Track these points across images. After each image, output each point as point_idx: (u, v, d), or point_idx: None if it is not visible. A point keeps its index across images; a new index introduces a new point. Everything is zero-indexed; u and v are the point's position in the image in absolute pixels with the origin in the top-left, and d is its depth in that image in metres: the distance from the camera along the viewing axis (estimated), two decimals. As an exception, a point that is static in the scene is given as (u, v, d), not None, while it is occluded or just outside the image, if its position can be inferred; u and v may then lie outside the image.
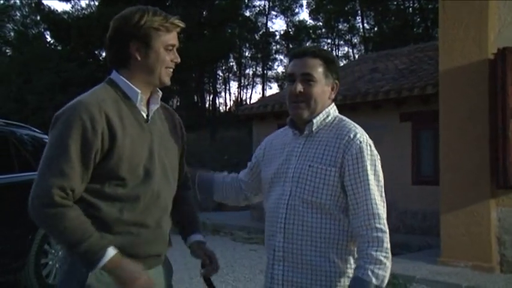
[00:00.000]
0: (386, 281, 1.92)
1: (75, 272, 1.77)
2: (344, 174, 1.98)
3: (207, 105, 39.34)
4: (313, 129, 2.08)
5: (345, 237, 2.01)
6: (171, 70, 1.91)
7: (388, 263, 1.93)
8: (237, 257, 8.30)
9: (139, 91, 1.86)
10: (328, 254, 1.99)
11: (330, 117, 2.11)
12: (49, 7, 32.33)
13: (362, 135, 2.02)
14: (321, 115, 2.09)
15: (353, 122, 2.11)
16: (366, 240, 1.93)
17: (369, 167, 1.98)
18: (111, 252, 1.71)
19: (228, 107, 44.20)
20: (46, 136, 6.30)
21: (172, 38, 1.88)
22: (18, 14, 37.70)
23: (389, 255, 1.94)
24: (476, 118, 7.06)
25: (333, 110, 2.14)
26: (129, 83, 1.86)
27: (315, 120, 2.07)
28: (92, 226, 1.72)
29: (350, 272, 2.00)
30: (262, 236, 8.81)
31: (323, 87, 2.08)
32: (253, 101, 38.39)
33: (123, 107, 1.83)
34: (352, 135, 2.01)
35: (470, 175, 7.06)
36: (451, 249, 7.17)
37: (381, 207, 1.97)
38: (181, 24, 1.90)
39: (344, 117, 2.14)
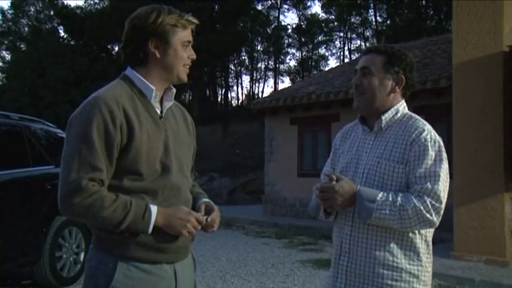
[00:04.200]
0: (379, 222, 1.97)
1: (102, 268, 1.80)
2: (409, 170, 2.01)
3: (219, 99, 39.40)
4: (382, 125, 2.12)
5: (410, 233, 2.04)
6: (188, 67, 1.95)
7: (401, 223, 1.95)
8: (249, 251, 8.33)
9: (154, 88, 1.88)
10: (392, 248, 2.03)
11: (399, 114, 2.14)
12: (62, 2, 32.43)
13: (429, 133, 2.04)
14: (389, 112, 2.12)
15: (423, 120, 2.12)
16: (418, 192, 1.96)
17: (432, 162, 1.99)
18: (154, 208, 1.77)
19: (240, 101, 44.24)
20: (60, 130, 6.37)
21: (188, 35, 1.91)
22: (32, 9, 38.01)
23: (417, 225, 1.96)
24: (490, 111, 7.00)
25: (402, 107, 2.16)
26: (144, 80, 1.88)
27: (383, 117, 2.12)
28: (124, 195, 1.75)
29: (412, 268, 2.04)
30: (274, 230, 8.82)
31: (381, 79, 2.11)
32: (265, 95, 38.33)
33: (138, 103, 1.85)
34: (418, 133, 2.03)
35: (484, 169, 7.00)
36: (464, 243, 7.14)
37: (443, 191, 1.98)
38: (196, 21, 1.93)
39: (414, 115, 2.16)
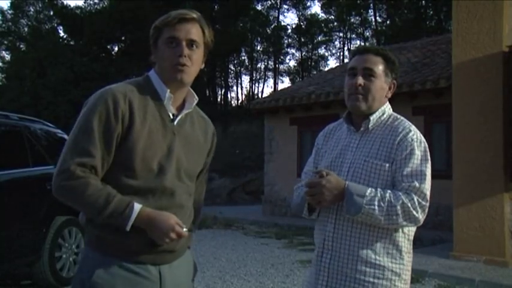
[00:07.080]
0: (368, 219, 1.99)
1: (86, 262, 1.84)
2: (395, 168, 2.05)
3: (219, 100, 39.36)
4: (370, 126, 2.16)
5: (393, 231, 2.07)
6: (182, 67, 1.86)
7: (389, 220, 1.97)
8: (249, 251, 8.32)
9: (167, 89, 1.90)
10: (375, 246, 2.05)
11: (385, 115, 2.19)
12: (62, 2, 32.44)
13: (415, 133, 2.10)
14: (377, 113, 2.17)
15: (408, 121, 2.18)
16: (405, 190, 2.01)
17: (418, 162, 2.05)
18: (137, 207, 1.77)
19: (239, 101, 44.18)
20: (59, 131, 6.37)
21: (171, 31, 1.86)
22: (32, 10, 37.98)
23: (402, 222, 1.99)
24: (490, 111, 7.00)
25: (387, 108, 2.22)
26: (161, 82, 1.92)
27: (371, 117, 2.15)
28: (113, 189, 1.77)
29: (394, 266, 2.06)
30: (274, 230, 8.81)
31: (382, 84, 2.16)
32: (265, 95, 38.36)
33: (150, 102, 1.88)
34: (406, 133, 2.09)
35: (484, 169, 7.00)
36: (463, 244, 7.14)
37: (428, 190, 2.03)
38: (183, 13, 1.88)
39: (399, 116, 2.21)
